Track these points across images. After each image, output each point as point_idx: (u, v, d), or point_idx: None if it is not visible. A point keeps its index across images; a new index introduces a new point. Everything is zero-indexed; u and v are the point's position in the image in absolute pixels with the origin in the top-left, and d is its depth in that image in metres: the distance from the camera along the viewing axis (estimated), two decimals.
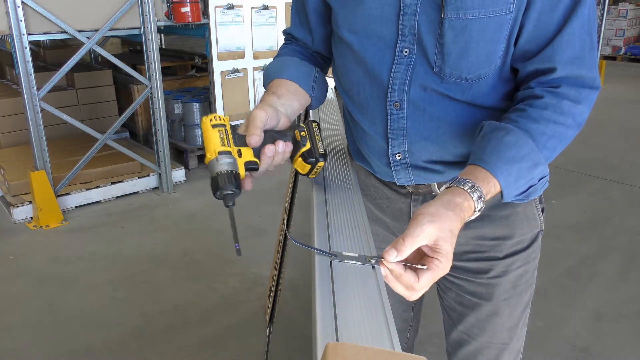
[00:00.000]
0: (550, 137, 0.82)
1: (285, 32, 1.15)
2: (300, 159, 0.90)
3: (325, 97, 1.07)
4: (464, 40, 0.84)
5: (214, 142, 0.82)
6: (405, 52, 0.89)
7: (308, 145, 0.90)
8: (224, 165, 0.80)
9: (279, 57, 1.08)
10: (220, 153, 0.81)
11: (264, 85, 1.02)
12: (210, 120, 0.85)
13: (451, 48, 0.85)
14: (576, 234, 3.19)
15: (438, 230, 0.70)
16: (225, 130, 0.84)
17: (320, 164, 0.91)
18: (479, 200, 0.75)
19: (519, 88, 0.89)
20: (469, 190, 0.75)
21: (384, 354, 0.52)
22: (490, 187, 0.76)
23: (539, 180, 0.81)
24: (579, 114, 0.83)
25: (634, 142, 4.98)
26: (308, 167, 0.91)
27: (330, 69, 1.13)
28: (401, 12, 0.86)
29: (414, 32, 0.87)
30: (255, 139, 0.83)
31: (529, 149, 0.79)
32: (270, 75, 1.00)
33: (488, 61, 0.86)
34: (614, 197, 3.77)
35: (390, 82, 0.92)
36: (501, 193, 0.78)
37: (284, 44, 1.14)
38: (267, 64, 1.16)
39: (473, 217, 0.76)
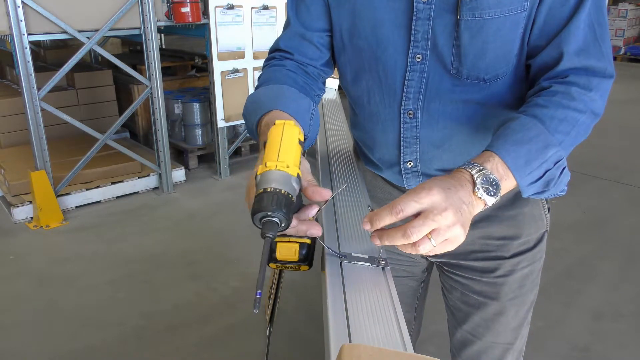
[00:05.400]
0: (561, 121, 0.78)
1: (278, 44, 0.99)
2: (297, 245, 0.73)
3: (317, 136, 0.95)
4: (481, 40, 0.84)
5: (295, 155, 0.65)
6: (418, 58, 0.88)
7: (310, 241, 0.73)
8: (290, 185, 0.62)
9: (268, 84, 0.91)
10: (298, 176, 0.64)
11: (250, 116, 0.86)
12: (299, 133, 0.69)
13: (468, 49, 0.85)
14: (576, 234, 3.19)
15: (417, 186, 0.68)
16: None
17: (304, 267, 0.74)
18: (477, 173, 0.71)
19: (531, 86, 0.88)
20: (464, 167, 0.72)
21: (399, 355, 0.51)
22: (496, 165, 0.73)
23: (554, 165, 0.76)
24: (590, 100, 0.80)
25: (634, 142, 4.98)
26: (294, 257, 0.73)
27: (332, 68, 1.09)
28: (414, 17, 0.85)
29: (428, 37, 0.86)
30: (327, 190, 0.70)
31: (538, 131, 0.76)
32: (262, 105, 0.83)
33: (505, 60, 0.86)
34: (613, 197, 3.77)
35: (405, 90, 0.91)
36: (517, 184, 0.74)
37: (271, 66, 0.97)
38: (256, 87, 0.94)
39: (482, 188, 0.70)
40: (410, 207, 0.65)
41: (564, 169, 0.78)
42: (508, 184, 0.74)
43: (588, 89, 0.80)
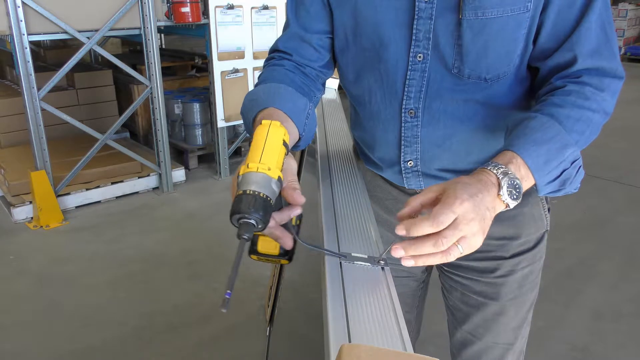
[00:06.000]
0: (577, 120, 0.79)
1: (279, 44, 1.00)
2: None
3: (312, 137, 0.94)
4: (483, 39, 0.84)
5: (278, 157, 0.66)
6: (420, 57, 0.88)
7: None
8: (270, 188, 0.63)
9: (267, 82, 0.92)
10: (279, 178, 0.65)
11: (247, 113, 0.86)
12: (284, 134, 0.70)
13: (470, 48, 0.85)
14: (576, 234, 3.19)
15: (444, 184, 0.69)
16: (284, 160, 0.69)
17: (284, 261, 0.76)
18: (503, 176, 0.71)
19: (541, 86, 0.88)
20: (489, 168, 0.72)
21: (399, 355, 0.51)
22: (519, 166, 0.73)
23: (571, 164, 0.76)
24: (602, 100, 0.81)
25: (634, 142, 4.98)
26: (275, 252, 0.75)
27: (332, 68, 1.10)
28: (415, 17, 0.85)
29: (429, 36, 0.86)
30: (300, 195, 0.71)
31: (556, 131, 0.76)
32: (258, 102, 0.84)
33: (507, 60, 0.86)
34: (614, 197, 3.76)
35: (406, 89, 0.91)
36: (535, 183, 0.75)
37: (271, 65, 0.98)
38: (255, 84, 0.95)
39: (507, 191, 0.70)
40: (449, 218, 0.65)
41: (579, 167, 0.78)
42: (527, 184, 0.74)
43: (600, 90, 0.81)
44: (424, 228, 0.65)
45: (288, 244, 0.73)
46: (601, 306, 2.50)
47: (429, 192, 0.70)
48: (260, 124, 0.71)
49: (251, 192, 0.62)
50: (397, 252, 0.67)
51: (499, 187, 0.71)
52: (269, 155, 0.66)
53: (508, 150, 0.75)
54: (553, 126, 0.77)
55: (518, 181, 0.71)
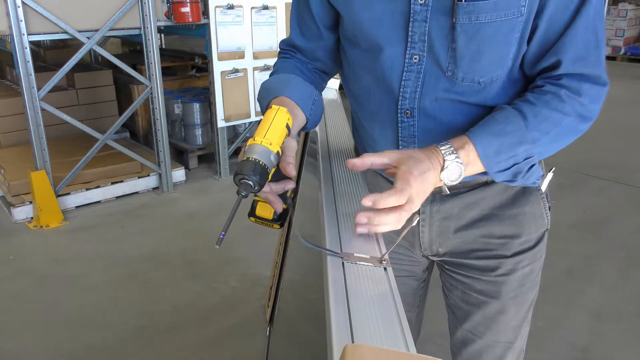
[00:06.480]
0: (544, 120, 0.83)
1: (284, 43, 1.09)
2: (270, 206, 0.88)
3: (320, 120, 1.02)
4: (477, 43, 0.84)
5: (280, 136, 0.78)
6: (415, 59, 0.89)
7: (285, 206, 0.88)
8: (269, 159, 0.75)
9: (279, 73, 1.02)
10: (278, 153, 0.78)
11: (262, 100, 0.95)
12: (288, 119, 0.81)
13: (464, 52, 0.85)
14: (576, 234, 3.19)
15: (398, 155, 0.78)
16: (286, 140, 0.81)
17: (276, 226, 0.89)
18: (449, 160, 0.79)
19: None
20: (441, 147, 0.80)
21: (402, 356, 0.51)
22: (469, 152, 0.80)
23: (524, 160, 0.82)
24: (579, 105, 0.83)
25: (634, 142, 4.99)
26: (270, 216, 0.88)
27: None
28: (411, 19, 0.86)
29: (424, 38, 0.87)
30: (293, 168, 0.80)
31: (517, 127, 0.82)
32: (271, 91, 0.93)
33: (500, 63, 0.86)
34: (614, 197, 3.77)
35: (401, 90, 0.92)
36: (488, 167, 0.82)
37: (281, 57, 1.08)
38: (269, 73, 1.07)
39: (447, 173, 0.79)
40: (409, 194, 0.74)
41: (532, 165, 0.84)
42: (475, 169, 0.82)
43: (577, 94, 0.83)
44: (390, 201, 0.73)
45: (278, 208, 0.85)
46: (601, 306, 2.51)
47: (384, 157, 0.79)
48: (270, 107, 0.82)
49: (253, 160, 0.74)
50: (361, 219, 0.74)
51: (442, 168, 0.79)
52: (273, 133, 0.78)
53: (465, 135, 0.82)
54: (516, 122, 0.82)
55: (461, 166, 0.79)
